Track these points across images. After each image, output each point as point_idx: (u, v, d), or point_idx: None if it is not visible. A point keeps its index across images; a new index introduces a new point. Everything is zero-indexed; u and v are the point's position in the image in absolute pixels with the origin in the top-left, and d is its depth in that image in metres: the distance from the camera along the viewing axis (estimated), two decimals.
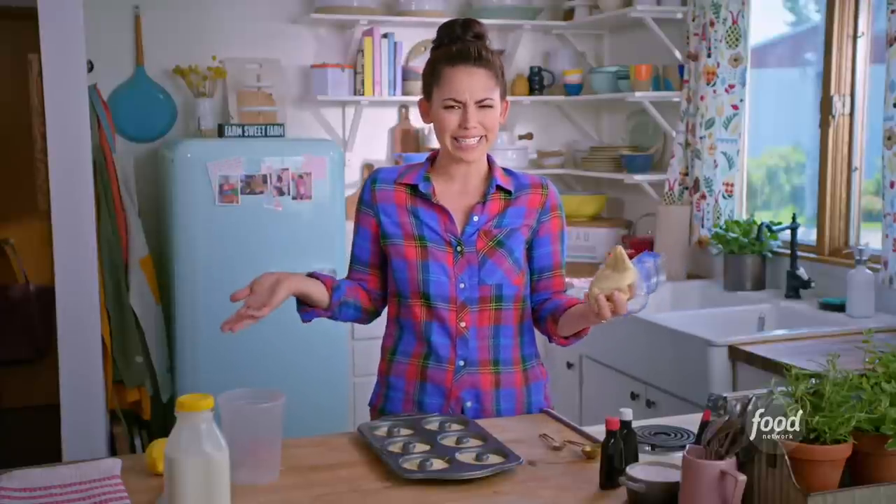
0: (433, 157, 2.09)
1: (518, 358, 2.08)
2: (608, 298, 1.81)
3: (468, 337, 2.01)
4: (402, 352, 2.06)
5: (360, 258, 2.10)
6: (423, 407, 2.02)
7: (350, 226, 2.28)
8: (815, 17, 3.57)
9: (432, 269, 2.00)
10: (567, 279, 3.80)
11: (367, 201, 2.07)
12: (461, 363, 2.01)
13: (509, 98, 4.30)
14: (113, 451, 3.47)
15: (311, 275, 2.02)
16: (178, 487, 1.31)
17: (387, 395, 2.08)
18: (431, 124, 2.04)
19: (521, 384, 2.08)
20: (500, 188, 2.04)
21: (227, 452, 1.35)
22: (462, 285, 2.00)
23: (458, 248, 2.00)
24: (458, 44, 1.98)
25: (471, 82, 1.94)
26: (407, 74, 4.20)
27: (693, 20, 3.70)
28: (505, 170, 2.09)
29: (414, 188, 2.04)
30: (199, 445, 1.32)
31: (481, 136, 1.97)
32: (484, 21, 4.11)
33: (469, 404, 2.02)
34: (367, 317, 2.13)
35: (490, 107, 1.96)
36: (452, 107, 1.95)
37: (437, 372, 2.02)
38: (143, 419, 3.69)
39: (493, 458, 1.70)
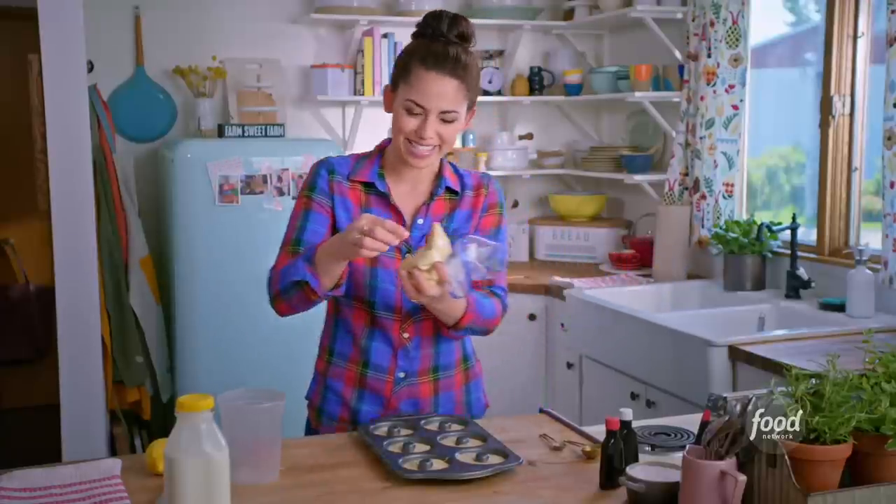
0: (383, 148, 2.01)
1: (459, 359, 2.05)
2: (410, 275, 1.73)
3: (410, 348, 1.96)
4: (340, 354, 2.00)
5: (312, 242, 1.90)
6: (360, 414, 1.97)
7: None
8: (816, 17, 3.57)
9: (380, 275, 1.92)
10: (567, 279, 3.80)
11: (323, 190, 1.95)
12: (401, 375, 1.97)
13: (509, 98, 4.38)
14: (113, 452, 3.47)
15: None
16: (179, 487, 1.31)
17: (324, 395, 2.02)
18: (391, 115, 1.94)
19: (461, 384, 2.05)
20: (447, 188, 1.99)
21: (227, 452, 1.35)
22: None
23: (407, 255, 1.91)
24: (439, 42, 1.87)
25: (439, 91, 1.84)
26: None
27: (693, 20, 3.70)
28: (454, 168, 2.03)
29: (368, 185, 1.96)
30: (200, 445, 1.32)
31: (435, 146, 1.89)
32: (484, 21, 4.22)
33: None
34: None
35: (452, 121, 1.87)
36: (414, 111, 1.86)
37: (376, 382, 1.96)
38: (143, 419, 3.69)
39: (493, 459, 1.70)
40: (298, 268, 1.83)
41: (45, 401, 4.74)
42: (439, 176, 2.00)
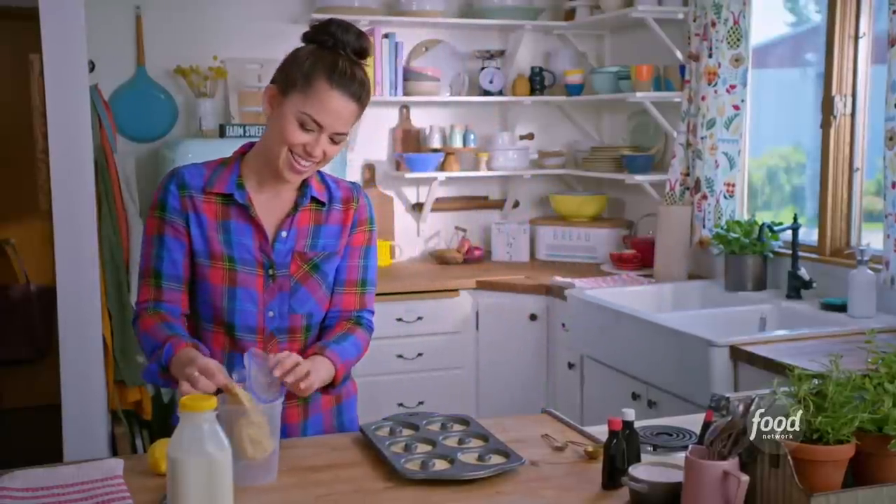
0: (243, 153, 1.88)
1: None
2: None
3: None
4: None
5: (172, 274, 1.81)
6: None
7: None
8: (816, 17, 3.57)
9: (239, 295, 1.81)
10: (568, 279, 3.80)
11: (174, 208, 1.81)
12: None
13: (510, 98, 4.38)
14: (114, 452, 3.46)
15: (177, 347, 1.72)
16: (181, 488, 1.31)
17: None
18: (266, 117, 1.81)
19: (330, 405, 1.95)
20: (313, 199, 1.88)
21: (229, 453, 1.35)
22: (271, 313, 1.83)
23: (270, 272, 1.82)
24: (343, 58, 1.77)
25: (340, 113, 1.75)
26: (408, 74, 4.20)
27: (694, 20, 3.70)
28: (321, 176, 1.93)
29: (227, 197, 1.82)
30: (202, 446, 1.32)
31: (316, 163, 1.80)
32: (485, 21, 4.23)
33: None
34: None
35: (339, 142, 1.79)
36: (307, 125, 1.75)
37: None
38: (144, 419, 3.69)
39: (496, 459, 1.70)
40: (152, 372, 1.75)
41: (45, 401, 4.73)
42: (304, 185, 1.88)
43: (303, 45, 1.82)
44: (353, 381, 2.02)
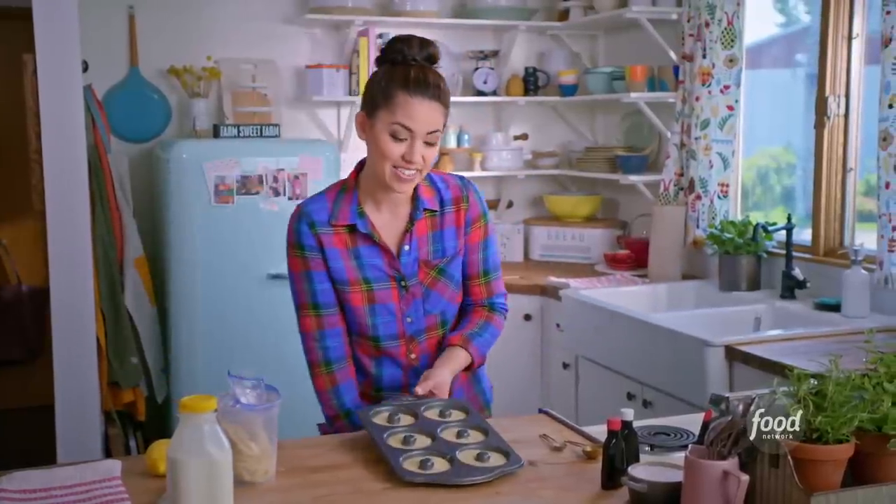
0: (354, 178, 2.01)
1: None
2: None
3: (419, 367, 2.02)
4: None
5: (327, 302, 1.99)
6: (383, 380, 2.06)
7: None
8: (805, 18, 3.58)
9: (379, 311, 1.99)
10: (562, 279, 3.81)
11: (312, 246, 1.97)
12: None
13: (504, 99, 4.38)
14: (108, 453, 3.45)
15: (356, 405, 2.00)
16: (182, 488, 1.31)
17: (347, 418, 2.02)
18: (365, 142, 1.95)
19: (467, 377, 2.11)
20: (426, 209, 2.00)
21: (230, 453, 1.35)
22: (409, 319, 2.01)
23: (403, 283, 1.99)
24: (414, 68, 1.89)
25: (426, 116, 1.87)
26: None
27: (688, 21, 3.71)
28: (429, 179, 2.03)
29: (351, 227, 1.97)
30: (202, 446, 1.32)
31: (419, 170, 1.91)
32: (479, 22, 4.23)
33: None
34: None
35: (434, 143, 1.91)
36: (399, 135, 1.88)
37: (392, 397, 2.00)
38: (137, 420, 3.68)
39: (495, 458, 1.70)
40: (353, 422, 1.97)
41: (37, 402, 4.71)
42: (415, 198, 2.00)
43: (377, 68, 1.95)
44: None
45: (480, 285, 2.10)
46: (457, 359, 2.00)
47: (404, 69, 1.89)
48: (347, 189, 2.00)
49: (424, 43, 1.93)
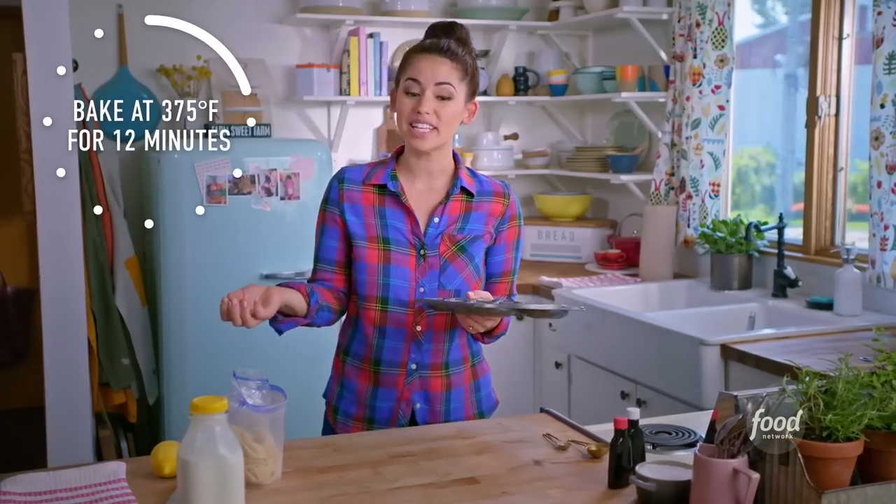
0: (399, 152, 2.08)
1: (467, 355, 2.10)
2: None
3: (423, 340, 2.02)
4: (354, 354, 2.06)
5: (326, 258, 2.06)
6: (375, 410, 2.04)
7: None
8: (784, 18, 3.61)
9: (393, 272, 2.00)
10: (554, 279, 3.82)
11: (333, 200, 2.05)
12: (413, 366, 2.02)
13: (494, 98, 4.38)
14: (99, 455, 3.43)
15: (281, 286, 1.97)
16: (193, 490, 1.30)
17: (340, 394, 2.09)
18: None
19: (470, 380, 2.11)
20: (463, 189, 2.04)
21: (241, 454, 1.34)
22: (422, 289, 2.00)
23: (422, 252, 2.00)
24: (431, 37, 2.03)
25: (433, 68, 1.95)
26: (393, 74, 4.18)
27: (679, 21, 3.72)
28: (470, 171, 2.09)
29: (382, 188, 2.03)
30: (214, 447, 1.31)
31: (434, 127, 1.96)
32: (469, 21, 4.22)
33: (419, 406, 2.04)
34: (337, 317, 2.09)
35: (448, 98, 1.95)
36: (411, 91, 1.96)
37: (389, 376, 2.03)
38: (129, 422, 3.65)
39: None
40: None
41: (24, 404, 4.68)
42: (455, 177, 2.05)
43: None
44: (487, 362, 2.19)
45: (507, 283, 2.12)
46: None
47: (423, 39, 2.02)
48: (386, 161, 2.08)
49: (451, 26, 2.05)
